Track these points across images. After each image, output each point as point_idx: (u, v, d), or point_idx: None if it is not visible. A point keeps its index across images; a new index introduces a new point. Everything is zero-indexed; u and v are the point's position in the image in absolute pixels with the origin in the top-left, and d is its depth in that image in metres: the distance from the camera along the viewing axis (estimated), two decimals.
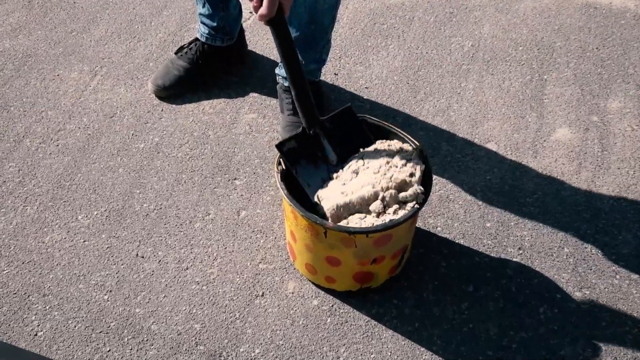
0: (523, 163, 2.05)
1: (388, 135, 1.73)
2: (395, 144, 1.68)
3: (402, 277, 1.77)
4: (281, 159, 1.62)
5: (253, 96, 2.25)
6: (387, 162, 1.63)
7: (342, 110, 1.68)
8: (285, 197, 1.57)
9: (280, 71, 2.08)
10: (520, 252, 1.82)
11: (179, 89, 2.23)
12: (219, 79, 2.27)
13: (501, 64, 2.39)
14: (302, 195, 1.61)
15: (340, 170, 1.66)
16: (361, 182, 1.59)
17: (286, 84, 2.05)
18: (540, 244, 1.83)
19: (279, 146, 1.59)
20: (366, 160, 1.64)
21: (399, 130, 1.71)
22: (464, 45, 2.48)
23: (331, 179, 1.65)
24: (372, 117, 1.75)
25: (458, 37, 2.52)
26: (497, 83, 2.32)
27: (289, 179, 1.61)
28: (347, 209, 1.55)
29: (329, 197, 1.57)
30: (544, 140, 2.11)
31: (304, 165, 1.62)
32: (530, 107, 2.22)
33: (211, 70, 2.25)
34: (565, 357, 1.62)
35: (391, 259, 1.67)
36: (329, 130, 1.65)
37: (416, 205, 1.55)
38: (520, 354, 1.63)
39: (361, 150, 1.67)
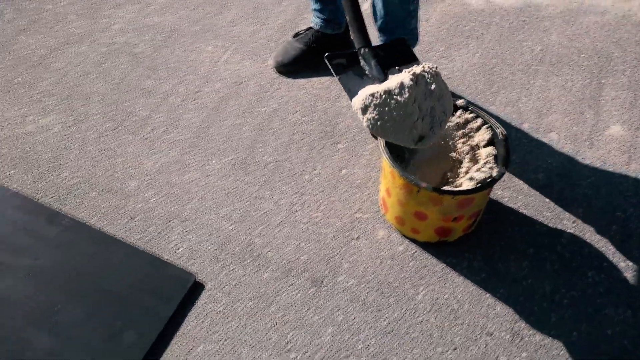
0: (580, 152, 2.00)
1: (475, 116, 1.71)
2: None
3: (473, 235, 1.75)
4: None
5: None
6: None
7: (396, 41, 1.55)
8: (388, 159, 1.57)
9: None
10: (574, 225, 1.78)
11: (294, 67, 2.25)
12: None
13: (565, 67, 2.33)
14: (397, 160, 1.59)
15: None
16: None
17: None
18: (592, 220, 1.79)
19: (329, 57, 1.47)
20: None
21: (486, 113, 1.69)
22: (533, 49, 2.42)
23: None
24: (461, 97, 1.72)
25: (529, 41, 2.46)
26: (561, 83, 2.26)
27: (390, 147, 1.61)
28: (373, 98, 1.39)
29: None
30: (599, 134, 2.05)
31: (349, 76, 1.48)
32: (589, 106, 2.16)
33: (322, 53, 2.25)
34: (608, 315, 1.59)
35: (468, 219, 1.66)
36: (379, 55, 1.49)
37: (496, 176, 1.53)
38: (569, 309, 1.61)
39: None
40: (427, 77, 1.39)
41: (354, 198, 1.86)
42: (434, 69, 1.41)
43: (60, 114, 2.08)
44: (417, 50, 2.11)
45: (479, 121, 1.70)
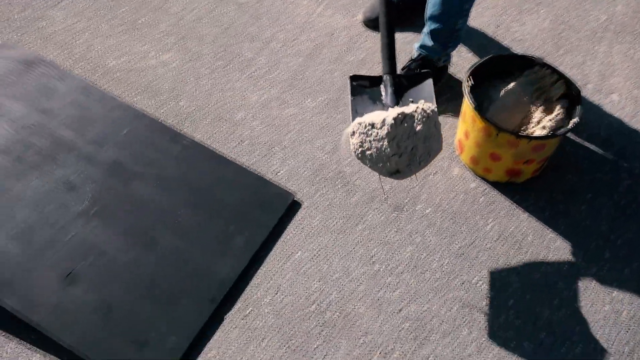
0: (639, 112, 1.98)
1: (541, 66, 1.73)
2: None
3: (539, 179, 1.79)
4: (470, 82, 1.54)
5: None
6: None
7: (422, 73, 1.43)
8: (470, 104, 1.61)
9: (416, 44, 1.96)
10: (631, 176, 1.80)
11: None
12: (414, 19, 2.28)
13: (629, 36, 2.29)
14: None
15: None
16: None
17: (413, 54, 1.94)
18: None
19: (352, 77, 1.42)
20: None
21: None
22: (599, 18, 2.38)
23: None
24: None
25: (595, 11, 2.41)
26: (623, 50, 2.23)
27: (473, 92, 1.64)
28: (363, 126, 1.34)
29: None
30: None
31: (363, 99, 1.41)
32: None
33: (409, 12, 2.27)
34: None
35: (537, 163, 1.70)
36: (401, 84, 1.40)
37: (566, 130, 1.55)
38: (623, 248, 1.64)
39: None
40: (416, 117, 1.31)
41: None
42: (428, 111, 1.31)
43: (178, 52, 2.18)
44: (490, 14, 2.10)
45: (555, 76, 1.71)
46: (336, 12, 2.37)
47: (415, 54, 1.94)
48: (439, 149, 1.33)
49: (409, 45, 2.20)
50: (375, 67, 2.13)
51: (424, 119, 1.30)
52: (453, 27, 1.84)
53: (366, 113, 1.36)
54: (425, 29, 1.89)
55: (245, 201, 1.70)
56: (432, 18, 1.84)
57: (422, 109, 1.31)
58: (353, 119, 1.38)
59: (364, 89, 1.41)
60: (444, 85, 2.00)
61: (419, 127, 1.31)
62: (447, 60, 1.97)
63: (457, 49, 2.00)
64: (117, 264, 1.52)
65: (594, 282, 1.57)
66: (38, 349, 1.42)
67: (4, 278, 1.45)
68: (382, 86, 1.41)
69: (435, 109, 1.32)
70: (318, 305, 1.52)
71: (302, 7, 2.39)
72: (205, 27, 2.27)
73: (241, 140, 1.88)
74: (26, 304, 1.42)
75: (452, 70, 2.08)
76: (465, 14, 1.82)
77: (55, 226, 1.56)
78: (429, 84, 1.39)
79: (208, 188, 1.71)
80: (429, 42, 1.88)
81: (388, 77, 1.39)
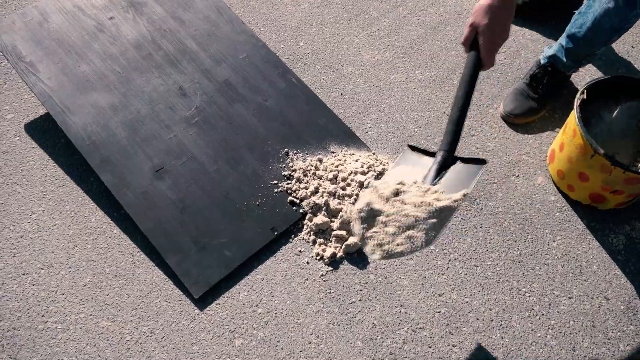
0: None
1: None
2: None
3: (623, 212, 1.56)
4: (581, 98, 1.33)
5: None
6: None
7: (476, 159, 1.11)
8: (577, 119, 1.41)
9: (546, 51, 1.70)
10: None
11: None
12: (544, 19, 2.03)
13: None
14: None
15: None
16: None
17: (542, 61, 1.70)
18: None
19: (410, 146, 1.21)
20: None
21: None
22: None
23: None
24: None
25: None
26: None
27: (584, 108, 1.44)
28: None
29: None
30: None
31: (413, 159, 1.19)
32: None
33: (540, 13, 2.01)
34: None
35: (627, 196, 1.48)
36: (449, 166, 1.12)
37: None
38: None
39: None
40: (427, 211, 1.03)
41: (526, 142, 1.71)
42: (442, 207, 1.03)
43: None
44: (629, 32, 1.81)
45: None
46: None
47: (543, 60, 1.71)
48: (431, 241, 1.02)
49: (535, 44, 1.96)
50: (499, 57, 1.91)
51: (434, 213, 1.03)
52: (593, 51, 1.59)
53: (403, 168, 1.15)
54: (563, 42, 1.63)
55: (329, 150, 1.62)
56: (574, 39, 1.57)
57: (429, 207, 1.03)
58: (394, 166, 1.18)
59: (415, 159, 1.17)
60: (562, 95, 1.78)
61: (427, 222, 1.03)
62: (573, 72, 1.73)
63: None
64: (203, 171, 1.51)
65: None
66: (119, 226, 1.46)
67: (107, 156, 1.48)
68: (433, 160, 1.12)
69: (459, 200, 1.03)
70: (365, 265, 1.44)
71: None
72: None
73: (343, 93, 1.79)
74: (119, 184, 1.45)
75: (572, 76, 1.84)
76: (610, 43, 1.56)
77: (161, 124, 1.57)
78: (476, 171, 1.09)
79: (299, 127, 1.65)
80: (563, 58, 1.64)
81: (441, 155, 1.10)
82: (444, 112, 1.74)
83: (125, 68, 1.63)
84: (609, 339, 1.35)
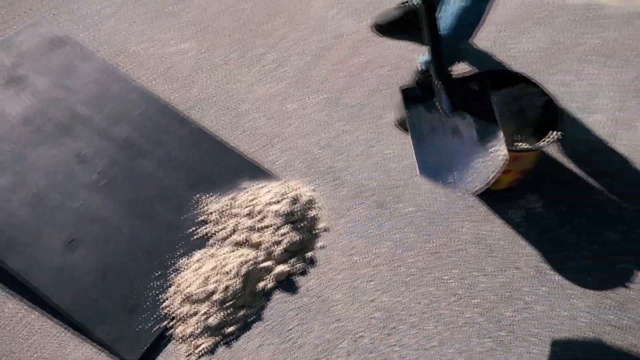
0: (618, 134, 1.89)
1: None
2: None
3: (516, 189, 1.70)
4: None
5: None
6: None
7: (476, 74, 1.31)
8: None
9: (422, 57, 1.82)
10: (604, 193, 1.71)
11: (389, 30, 2.18)
12: (417, 31, 2.18)
13: (617, 60, 2.17)
14: None
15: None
16: None
17: (420, 67, 1.81)
18: (620, 191, 1.71)
19: (404, 90, 1.32)
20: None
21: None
22: (592, 41, 2.26)
23: (444, 126, 1.30)
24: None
25: (589, 34, 2.29)
26: (611, 73, 2.11)
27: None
28: None
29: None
30: (638, 122, 1.92)
31: (419, 110, 1.31)
32: (633, 97, 2.02)
33: (414, 25, 2.16)
34: (620, 270, 1.54)
35: (516, 174, 1.62)
36: (454, 87, 1.29)
37: (544, 143, 1.47)
38: (588, 260, 1.56)
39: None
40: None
41: None
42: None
43: (196, 42, 2.11)
44: (489, 30, 2.00)
45: (539, 93, 1.63)
46: (347, 16, 2.29)
47: (421, 67, 1.85)
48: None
49: (413, 53, 2.11)
50: (376, 70, 2.05)
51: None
52: (459, 47, 1.74)
53: (424, 125, 1.26)
54: None
55: (240, 187, 1.64)
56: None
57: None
58: (412, 136, 1.26)
59: (415, 100, 1.28)
60: None
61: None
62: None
63: None
64: (117, 232, 1.47)
65: (557, 288, 1.50)
66: (36, 308, 1.38)
67: (11, 239, 1.41)
68: (435, 94, 1.26)
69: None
70: (296, 289, 1.46)
71: (316, 9, 2.31)
72: (224, 20, 2.20)
73: (243, 130, 1.82)
74: (29, 266, 1.38)
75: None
76: (469, 38, 1.71)
77: (65, 194, 1.51)
78: (484, 90, 1.26)
79: (207, 171, 1.66)
80: None
81: (440, 84, 1.23)
82: (342, 131, 1.82)
83: (16, 145, 1.56)
84: (527, 304, 1.46)
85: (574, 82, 2.05)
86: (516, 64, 2.09)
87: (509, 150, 1.45)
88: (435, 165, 1.26)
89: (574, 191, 1.71)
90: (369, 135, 1.83)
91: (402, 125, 1.83)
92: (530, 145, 1.58)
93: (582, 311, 1.44)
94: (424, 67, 1.81)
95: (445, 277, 1.50)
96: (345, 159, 1.76)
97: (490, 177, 1.17)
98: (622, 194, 1.70)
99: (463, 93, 1.30)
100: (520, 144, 1.63)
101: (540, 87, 1.62)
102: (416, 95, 1.32)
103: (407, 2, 2.16)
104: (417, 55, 1.92)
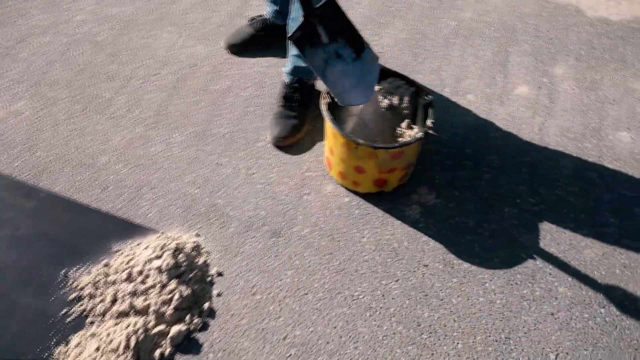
0: (492, 110, 2.07)
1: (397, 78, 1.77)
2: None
3: (407, 185, 1.80)
4: (327, 101, 1.60)
5: None
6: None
7: (327, 2, 1.48)
8: (329, 121, 1.60)
9: (285, 69, 1.91)
10: (490, 169, 1.85)
11: (244, 48, 2.23)
12: (273, 44, 2.25)
13: (477, 39, 2.40)
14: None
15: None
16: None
17: (287, 80, 1.91)
18: (505, 165, 1.87)
19: (292, 37, 1.46)
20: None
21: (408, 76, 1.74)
22: (449, 24, 2.47)
23: (330, 57, 1.52)
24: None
25: (445, 18, 2.51)
26: (474, 52, 2.33)
27: (331, 110, 1.64)
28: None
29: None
30: (508, 94, 2.13)
31: (309, 50, 1.49)
32: (499, 71, 2.23)
33: (269, 38, 2.24)
34: (522, 242, 1.67)
35: (401, 170, 1.71)
36: (321, 17, 1.48)
37: (422, 133, 1.58)
38: (490, 240, 1.68)
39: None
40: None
41: (303, 159, 1.88)
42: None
43: (30, 100, 2.01)
44: None
45: (406, 85, 1.74)
46: (197, 42, 2.30)
47: (287, 79, 1.90)
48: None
49: (274, 68, 2.17)
50: (241, 93, 2.08)
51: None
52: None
53: (318, 62, 1.49)
54: (293, 52, 1.84)
55: (113, 250, 1.57)
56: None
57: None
58: (318, 72, 1.49)
59: (302, 42, 1.47)
60: (315, 103, 1.98)
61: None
62: (315, 78, 1.95)
63: None
64: None
65: (468, 276, 1.59)
66: None
67: None
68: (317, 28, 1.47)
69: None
70: (199, 348, 1.42)
71: (161, 40, 2.30)
72: (58, 70, 2.11)
73: (105, 187, 1.75)
74: None
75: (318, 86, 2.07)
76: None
77: None
78: (339, 11, 1.50)
79: (70, 241, 1.57)
80: (301, 64, 1.83)
81: (314, 19, 1.46)
82: (217, 164, 1.82)
83: None
84: (442, 300, 1.53)
85: (442, 68, 2.22)
86: (384, 60, 2.23)
87: (390, 148, 1.54)
88: (345, 91, 1.53)
89: (462, 175, 1.84)
90: (247, 162, 1.84)
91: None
92: (410, 138, 1.68)
93: (496, 293, 1.55)
94: (290, 79, 1.87)
95: (356, 294, 1.54)
96: (226, 193, 1.75)
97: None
98: (510, 167, 1.85)
99: (331, 20, 1.51)
100: (400, 139, 1.72)
101: (407, 79, 1.74)
102: (300, 37, 1.48)
103: (257, 17, 2.22)
104: (281, 69, 1.97)
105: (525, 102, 2.09)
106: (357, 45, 1.53)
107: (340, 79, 1.52)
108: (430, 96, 1.68)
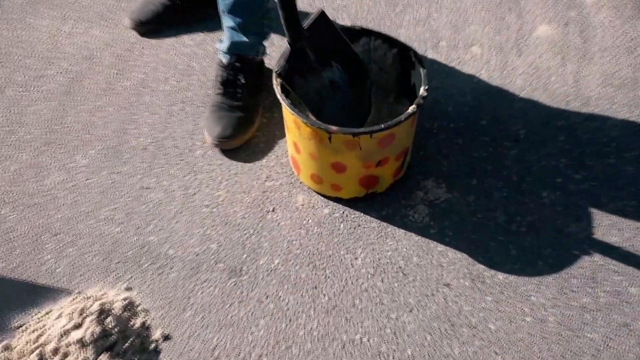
0: (508, 62, 2.12)
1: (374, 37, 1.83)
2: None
3: (406, 179, 1.85)
4: (280, 81, 1.67)
5: None
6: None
7: (318, 18, 1.67)
8: (287, 107, 1.63)
9: (221, 45, 1.98)
10: (516, 144, 1.91)
11: (157, 24, 2.26)
12: (197, 12, 2.28)
13: None
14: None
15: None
16: None
17: (224, 59, 1.97)
18: (535, 135, 1.93)
19: (279, 74, 1.64)
20: None
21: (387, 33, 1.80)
22: None
23: (324, 86, 1.72)
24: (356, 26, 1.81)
25: None
26: None
27: (288, 91, 1.68)
28: None
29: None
30: (526, 39, 2.20)
31: (299, 82, 1.68)
32: (509, 9, 2.30)
33: (191, 6, 2.26)
34: (572, 234, 1.72)
35: (395, 160, 1.74)
36: (310, 39, 1.65)
37: (415, 106, 1.62)
38: (529, 237, 1.72)
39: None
40: None
41: (260, 165, 1.92)
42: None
43: None
44: None
45: (386, 44, 1.79)
46: (91, 26, 2.34)
47: (225, 58, 1.93)
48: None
49: (203, 46, 2.19)
50: (160, 86, 2.11)
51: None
52: (263, 11, 1.88)
53: (311, 95, 1.68)
54: (230, 23, 1.88)
55: (12, 326, 1.58)
56: (235, 10, 1.84)
57: None
58: (312, 110, 1.70)
59: (291, 75, 1.63)
60: (268, 86, 2.01)
61: None
62: (264, 53, 2.01)
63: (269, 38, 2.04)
64: None
65: (506, 291, 1.64)
66: None
67: None
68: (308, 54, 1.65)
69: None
70: None
71: (41, 29, 2.32)
72: None
73: None
74: None
75: (268, 63, 2.10)
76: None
77: None
78: (332, 27, 1.69)
79: None
80: (241, 38, 1.88)
81: (302, 44, 1.63)
82: (142, 188, 1.84)
83: None
84: (475, 328, 1.58)
85: (431, 16, 2.29)
86: (351, 14, 2.28)
87: (375, 131, 1.58)
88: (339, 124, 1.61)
89: (478, 154, 1.89)
90: (184, 180, 1.87)
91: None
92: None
93: (547, 308, 1.60)
94: (229, 58, 1.90)
95: (357, 337, 1.58)
96: (160, 227, 1.78)
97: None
98: (542, 137, 1.92)
99: (322, 40, 1.68)
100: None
101: (386, 36, 1.78)
102: (287, 70, 1.62)
103: None
104: (215, 46, 2.00)
105: (551, 46, 2.15)
106: (352, 65, 1.73)
107: (337, 112, 1.74)
108: (419, 55, 1.72)
